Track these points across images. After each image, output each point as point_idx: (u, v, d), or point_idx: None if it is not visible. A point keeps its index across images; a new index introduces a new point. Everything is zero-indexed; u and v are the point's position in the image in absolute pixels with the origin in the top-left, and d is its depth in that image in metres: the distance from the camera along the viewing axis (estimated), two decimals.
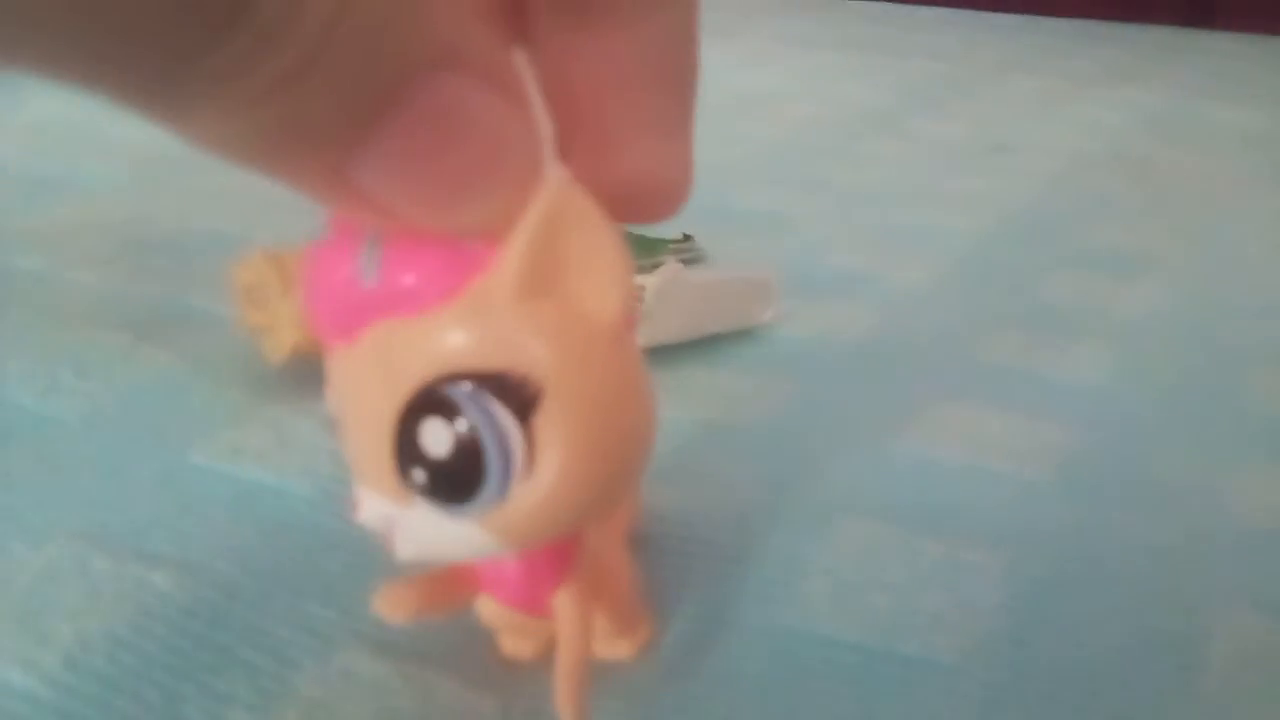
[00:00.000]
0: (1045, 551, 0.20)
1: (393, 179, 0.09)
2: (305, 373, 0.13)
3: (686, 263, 0.32)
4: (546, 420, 0.11)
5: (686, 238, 0.32)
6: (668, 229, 0.31)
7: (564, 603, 0.14)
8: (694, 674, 0.17)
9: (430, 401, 0.11)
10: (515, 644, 0.16)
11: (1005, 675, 0.17)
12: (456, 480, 0.11)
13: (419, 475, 0.11)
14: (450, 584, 0.15)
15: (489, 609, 0.16)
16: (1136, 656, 0.17)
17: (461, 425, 0.11)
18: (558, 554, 0.14)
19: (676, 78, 0.11)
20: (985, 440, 0.24)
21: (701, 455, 0.19)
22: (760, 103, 0.54)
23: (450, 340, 0.11)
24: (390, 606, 0.15)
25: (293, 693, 0.16)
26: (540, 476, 0.11)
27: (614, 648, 0.16)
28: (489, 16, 0.11)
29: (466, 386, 0.11)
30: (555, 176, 0.11)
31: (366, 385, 0.11)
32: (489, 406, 0.11)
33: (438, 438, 0.11)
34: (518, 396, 0.11)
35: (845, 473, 0.22)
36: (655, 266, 0.27)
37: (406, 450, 0.11)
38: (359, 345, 0.11)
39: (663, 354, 0.26)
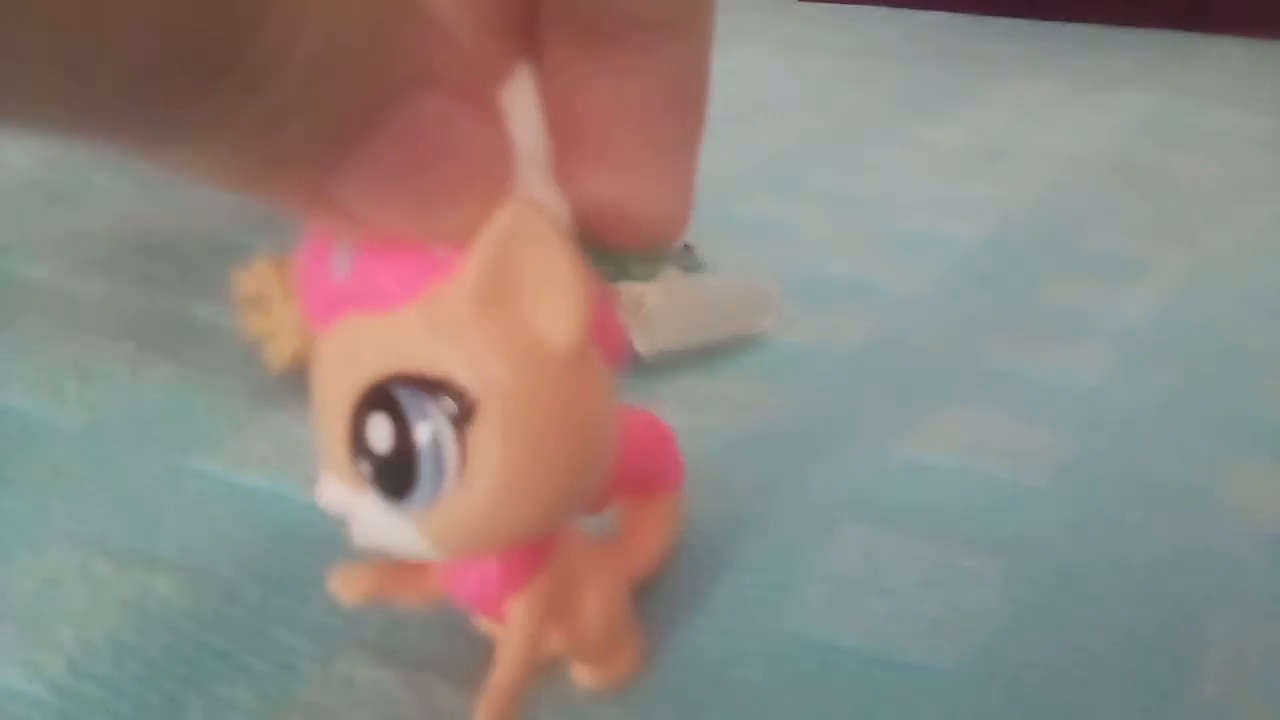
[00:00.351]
0: (1044, 556, 0.20)
1: (369, 194, 0.10)
2: (307, 380, 0.13)
3: (685, 270, 0.32)
4: (483, 432, 0.11)
5: (687, 248, 0.33)
6: None
7: (517, 612, 0.14)
8: (693, 680, 0.17)
9: (378, 397, 0.11)
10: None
11: (1004, 681, 0.17)
12: (393, 476, 0.11)
13: (365, 466, 0.12)
14: (408, 573, 0.15)
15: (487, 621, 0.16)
16: (1135, 661, 0.17)
17: (402, 424, 0.11)
18: (515, 560, 0.14)
19: (683, 109, 0.12)
20: (984, 445, 0.24)
21: (701, 461, 0.19)
22: (759, 110, 0.54)
23: (400, 340, 0.11)
24: (343, 586, 0.15)
25: (294, 699, 0.16)
26: (472, 486, 0.11)
27: (580, 674, 0.16)
28: (495, 36, 0.11)
29: (410, 387, 0.11)
30: (520, 194, 0.11)
31: (331, 374, 0.12)
32: (428, 410, 0.11)
33: (381, 433, 0.11)
34: (456, 404, 0.11)
35: (845, 478, 0.22)
36: (654, 276, 0.28)
37: (356, 440, 0.12)
38: (329, 335, 0.12)
39: (662, 361, 0.26)
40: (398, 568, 0.15)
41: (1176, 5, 0.78)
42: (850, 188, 0.42)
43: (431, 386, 0.11)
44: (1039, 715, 0.16)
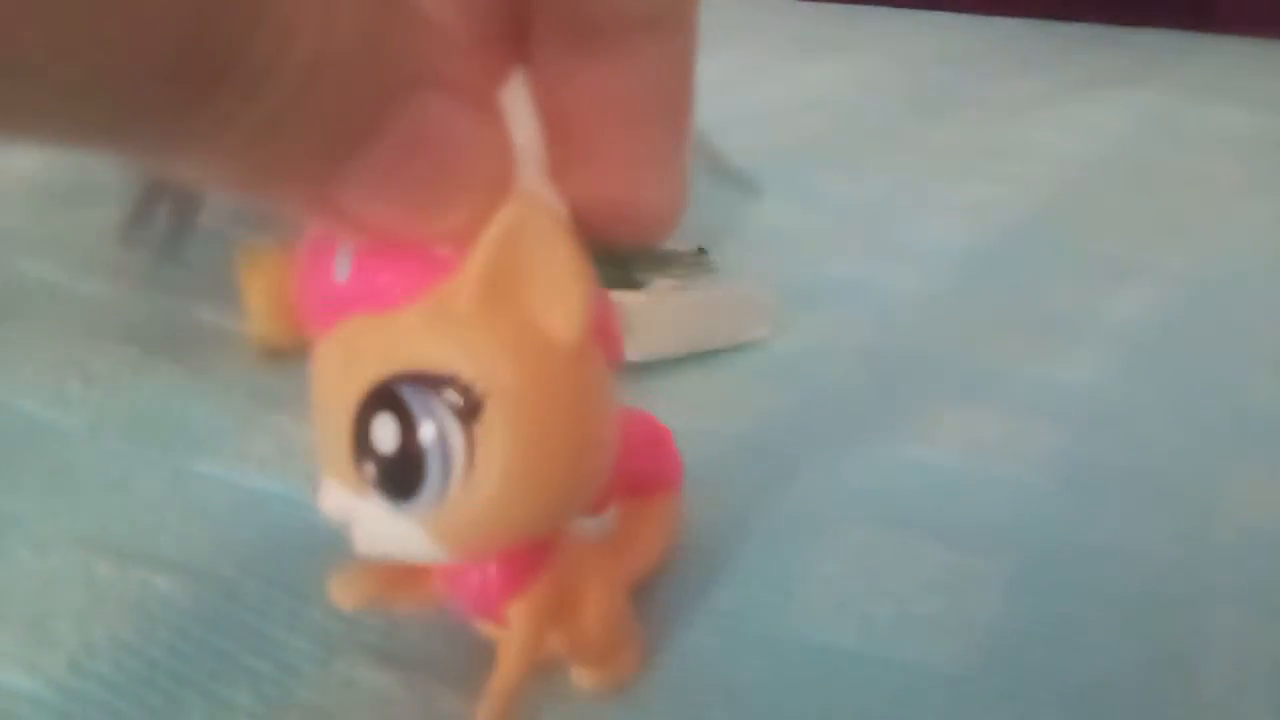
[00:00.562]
0: (1046, 557, 0.20)
1: (372, 196, 0.10)
2: (306, 380, 0.13)
3: (694, 274, 0.32)
4: (490, 428, 0.11)
5: (701, 251, 0.33)
6: (681, 243, 0.32)
7: (517, 615, 0.14)
8: (693, 681, 0.17)
9: (382, 397, 0.11)
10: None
11: (1005, 683, 0.17)
12: (400, 476, 0.11)
13: (369, 468, 0.12)
14: (407, 577, 0.15)
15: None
16: (1138, 663, 0.17)
17: (408, 423, 0.11)
18: (516, 563, 0.14)
19: (671, 106, 0.12)
20: (985, 446, 0.24)
21: (700, 462, 0.19)
22: (759, 111, 0.54)
23: (405, 340, 0.11)
24: (342, 591, 0.15)
25: (294, 700, 0.16)
26: (479, 483, 0.11)
27: (580, 676, 0.16)
28: (488, 40, 0.11)
29: (416, 386, 0.11)
30: (522, 191, 0.11)
31: (333, 376, 0.12)
32: (434, 407, 0.11)
33: (386, 433, 0.11)
34: (462, 401, 0.11)
35: (845, 479, 0.22)
36: (658, 279, 0.28)
37: (360, 442, 0.11)
38: (330, 337, 0.12)
39: (661, 363, 0.26)
40: (396, 572, 0.15)
41: (1179, 4, 0.78)
42: (850, 188, 0.42)
43: (437, 383, 0.11)
44: (1040, 717, 0.16)
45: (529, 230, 0.11)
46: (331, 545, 0.20)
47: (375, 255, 0.11)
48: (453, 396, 0.11)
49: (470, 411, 0.11)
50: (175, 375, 0.25)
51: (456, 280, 0.11)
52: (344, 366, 0.12)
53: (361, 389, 0.11)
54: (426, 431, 0.11)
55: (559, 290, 0.11)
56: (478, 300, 0.11)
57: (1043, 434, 0.24)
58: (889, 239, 0.37)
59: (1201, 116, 0.56)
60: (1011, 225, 0.39)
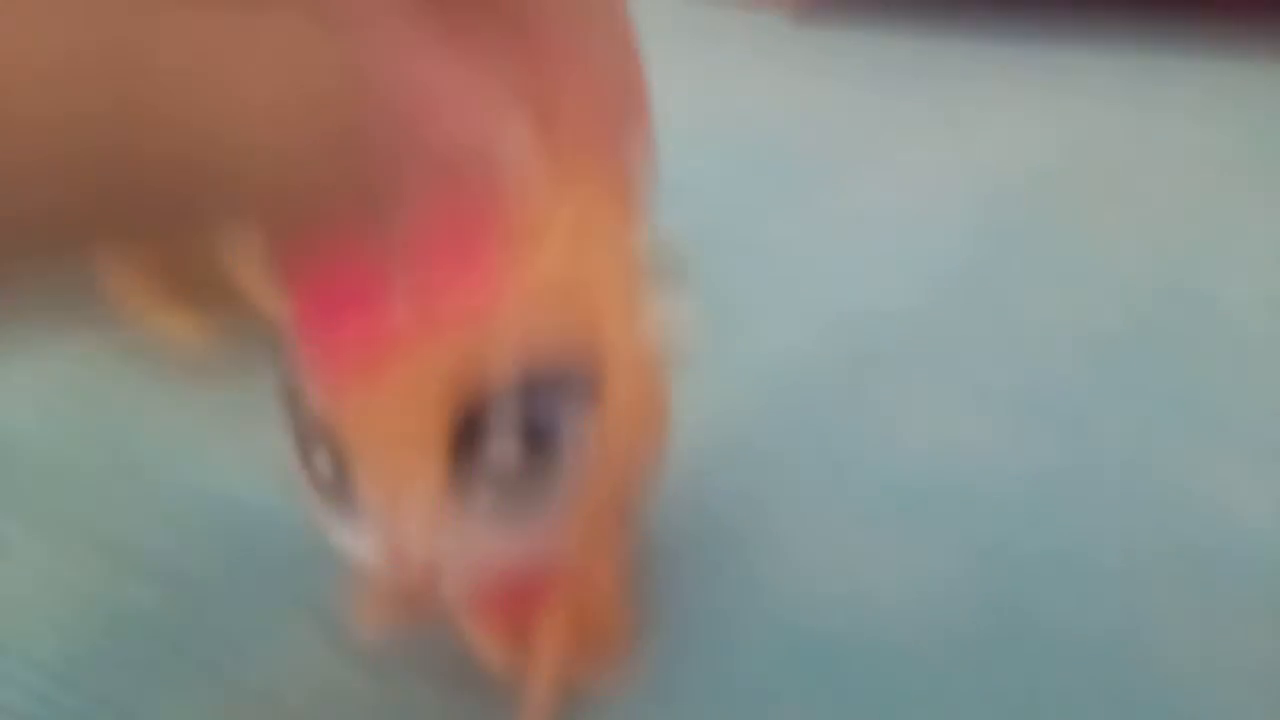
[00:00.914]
0: (1028, 558, 0.20)
1: (417, 230, 0.10)
2: (274, 392, 0.13)
3: (669, 280, 0.32)
4: (608, 413, 0.11)
5: (677, 258, 0.33)
6: (660, 249, 0.32)
7: (545, 633, 0.14)
8: (682, 679, 0.17)
9: (493, 409, 0.11)
10: (503, 658, 0.17)
11: (996, 686, 0.17)
12: (528, 481, 0.11)
13: (483, 485, 0.11)
14: (424, 598, 0.15)
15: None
16: (1129, 677, 0.18)
17: (533, 427, 0.11)
18: (542, 575, 0.14)
19: (614, 85, 0.12)
20: (964, 452, 0.24)
21: (681, 471, 0.20)
22: (742, 127, 0.55)
23: (501, 349, 0.11)
24: (367, 621, 0.15)
25: (279, 706, 0.16)
26: (603, 467, 0.11)
27: (592, 669, 0.16)
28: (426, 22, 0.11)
29: (531, 387, 0.11)
30: (580, 191, 0.11)
31: (410, 411, 0.11)
32: (557, 404, 0.11)
33: (506, 444, 0.11)
34: (580, 391, 0.11)
35: (825, 485, 0.23)
36: None
37: (470, 462, 0.11)
38: (395, 373, 0.11)
39: None
40: (414, 595, 0.15)
41: (1153, 24, 0.80)
42: (834, 204, 0.43)
43: (554, 379, 0.11)
44: (1027, 715, 0.17)
45: (592, 227, 0.11)
46: (316, 554, 0.20)
47: (429, 278, 0.11)
48: (570, 389, 0.11)
49: (590, 400, 0.11)
50: (150, 386, 0.25)
51: (527, 284, 0.11)
52: (431, 395, 0.11)
53: (464, 408, 0.11)
54: (555, 429, 0.11)
55: (616, 262, 0.11)
56: (558, 294, 0.11)
57: (1023, 440, 0.25)
58: (870, 253, 0.37)
59: (1188, 133, 0.57)
60: (987, 238, 0.39)
